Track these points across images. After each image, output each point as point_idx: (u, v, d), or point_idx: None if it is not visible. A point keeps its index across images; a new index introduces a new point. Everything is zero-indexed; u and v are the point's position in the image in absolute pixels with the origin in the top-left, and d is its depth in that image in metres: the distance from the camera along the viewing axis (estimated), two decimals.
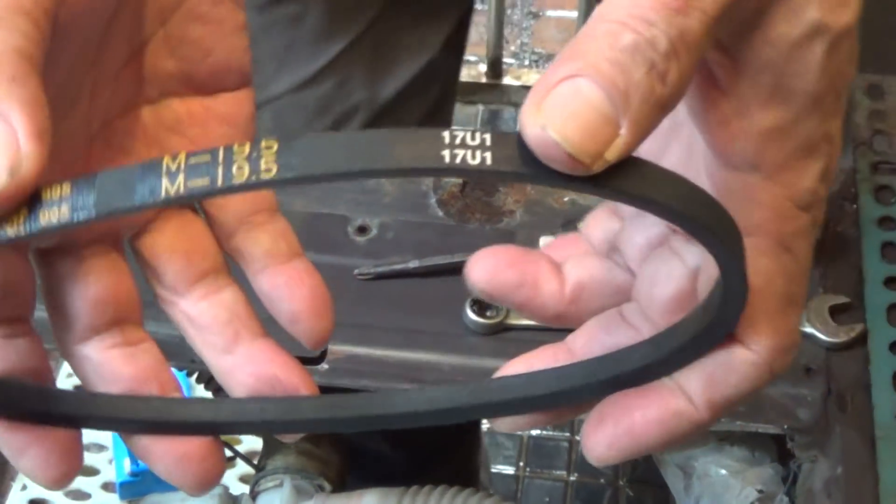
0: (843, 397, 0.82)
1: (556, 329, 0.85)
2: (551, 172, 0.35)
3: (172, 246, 0.47)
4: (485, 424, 1.76)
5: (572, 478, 1.81)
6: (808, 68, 0.39)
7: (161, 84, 0.47)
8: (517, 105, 2.30)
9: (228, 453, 1.10)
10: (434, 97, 1.15)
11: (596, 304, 0.48)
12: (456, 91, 1.26)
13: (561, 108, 0.34)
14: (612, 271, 0.48)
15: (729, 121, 0.40)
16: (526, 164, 0.35)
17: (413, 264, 0.88)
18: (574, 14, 2.39)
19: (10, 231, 0.37)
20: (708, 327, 0.41)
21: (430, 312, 0.87)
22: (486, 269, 0.47)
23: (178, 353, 0.81)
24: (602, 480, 1.80)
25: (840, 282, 0.87)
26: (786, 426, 0.81)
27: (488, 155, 0.34)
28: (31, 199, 0.37)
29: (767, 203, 0.41)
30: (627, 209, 0.47)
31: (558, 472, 1.82)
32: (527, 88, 2.31)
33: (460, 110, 2.23)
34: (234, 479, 1.79)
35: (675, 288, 0.45)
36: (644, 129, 0.35)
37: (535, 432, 1.86)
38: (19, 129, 0.36)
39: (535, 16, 2.61)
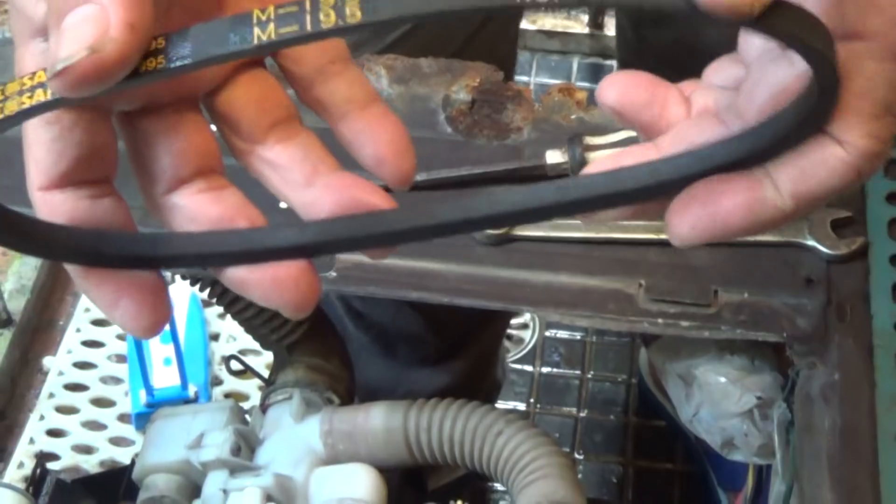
0: (843, 307, 0.83)
1: (563, 241, 0.86)
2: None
3: (247, 97, 0.48)
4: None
5: (582, 414, 1.83)
6: None
7: None
8: (532, 49, 2.30)
9: (239, 366, 1.12)
10: None
11: None
12: None
13: None
14: (735, 102, 0.48)
15: None
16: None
17: (421, 177, 0.89)
18: None
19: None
20: (802, 121, 0.43)
21: None
22: (619, 88, 0.48)
23: None
24: (611, 416, 1.81)
25: (842, 197, 0.88)
26: (785, 335, 0.83)
27: None
28: None
29: (887, 9, 0.42)
30: (751, 55, 0.48)
31: (568, 409, 1.84)
32: (542, 32, 2.31)
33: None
34: (254, 389, 1.82)
35: (779, 84, 0.45)
36: None
37: (545, 370, 1.88)
38: (113, 17, 0.39)
39: None
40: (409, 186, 0.48)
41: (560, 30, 2.33)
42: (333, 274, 0.85)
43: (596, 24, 2.22)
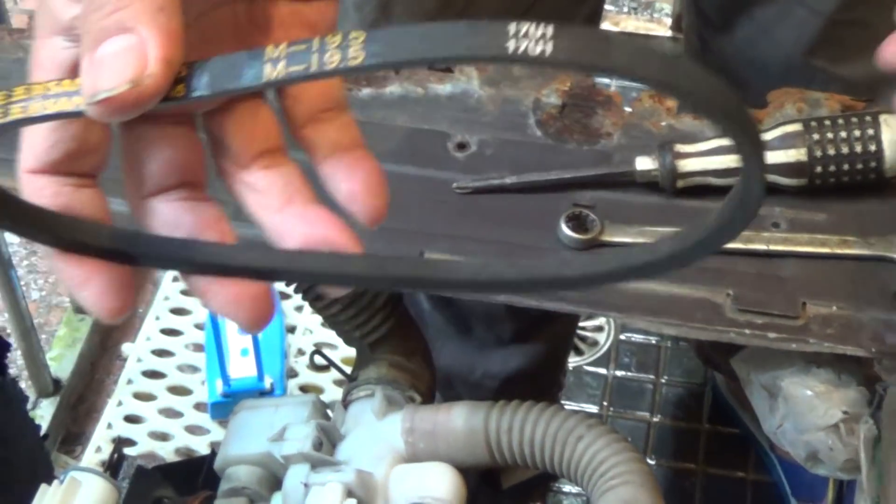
0: None
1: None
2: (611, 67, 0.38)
3: (240, 124, 0.50)
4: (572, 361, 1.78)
5: (655, 419, 1.82)
6: None
7: None
8: None
9: (322, 361, 1.13)
10: None
11: None
12: None
13: None
14: None
15: None
16: (586, 55, 0.38)
17: (510, 180, 0.90)
18: None
19: None
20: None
21: (525, 227, 0.88)
22: None
23: None
24: (684, 422, 1.81)
25: None
26: (874, 349, 0.82)
27: (549, 46, 0.38)
28: None
29: None
30: None
31: (641, 413, 1.84)
32: (625, 34, 2.32)
33: None
34: (329, 383, 1.83)
35: None
36: None
37: (619, 373, 1.87)
38: (151, 53, 0.41)
39: None
40: (377, 226, 0.50)
41: (643, 32, 2.32)
42: None
43: (679, 27, 2.21)
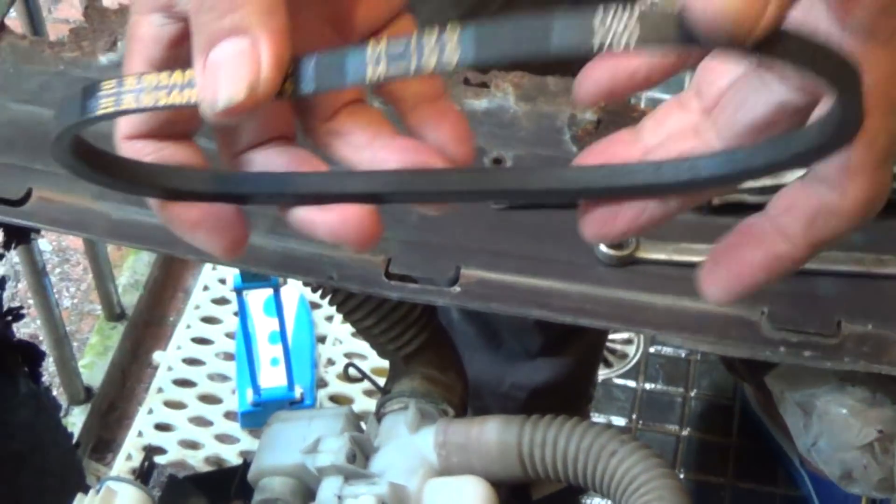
0: None
1: (686, 265, 0.86)
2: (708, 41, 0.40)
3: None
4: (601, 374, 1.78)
5: (685, 432, 1.82)
6: None
7: None
8: None
9: (355, 373, 1.14)
10: None
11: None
12: None
13: None
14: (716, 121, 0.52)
15: None
16: (676, 35, 0.40)
17: None
18: None
19: None
20: (819, 147, 0.46)
21: (562, 243, 0.88)
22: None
23: (316, 268, 0.86)
24: (714, 436, 1.80)
25: None
26: None
27: (636, 32, 0.40)
28: None
29: (881, 67, 0.45)
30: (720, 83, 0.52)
31: (671, 427, 1.84)
32: None
33: None
34: (359, 394, 1.84)
35: (760, 114, 0.50)
36: (788, 3, 0.40)
37: (648, 386, 1.88)
38: (264, 56, 0.43)
39: None
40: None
41: None
42: (458, 289, 0.86)
43: None
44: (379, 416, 1.03)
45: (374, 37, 0.54)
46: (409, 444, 0.98)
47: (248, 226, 0.52)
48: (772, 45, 0.41)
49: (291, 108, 0.52)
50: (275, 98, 0.44)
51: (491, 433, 0.96)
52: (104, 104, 0.44)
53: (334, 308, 1.01)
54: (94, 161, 0.49)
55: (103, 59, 0.98)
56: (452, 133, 0.51)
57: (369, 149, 0.51)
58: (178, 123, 0.50)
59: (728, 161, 0.50)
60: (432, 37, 0.42)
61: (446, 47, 0.42)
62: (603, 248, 0.87)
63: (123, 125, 0.50)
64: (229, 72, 0.43)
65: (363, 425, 1.03)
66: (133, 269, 2.07)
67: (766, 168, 0.49)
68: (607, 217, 0.52)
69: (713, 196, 0.76)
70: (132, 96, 0.44)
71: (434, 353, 1.05)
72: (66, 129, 0.46)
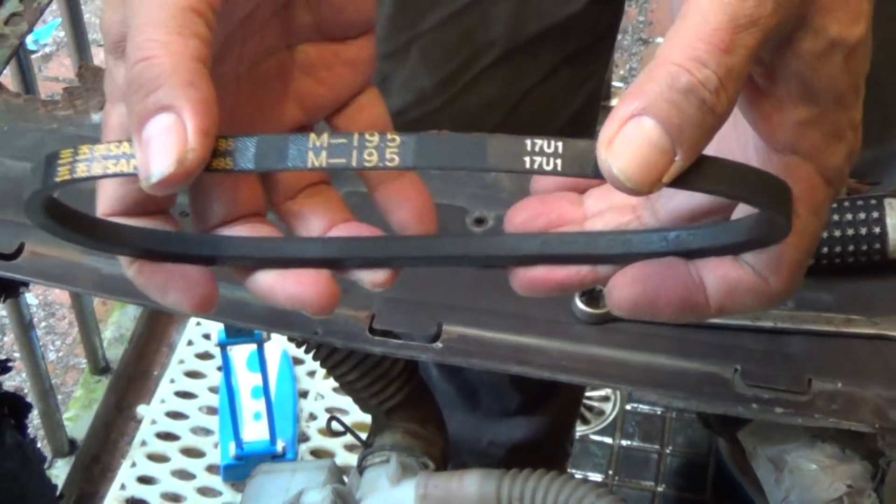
0: None
1: (663, 324, 0.88)
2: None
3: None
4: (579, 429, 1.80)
5: (660, 489, 1.84)
6: (831, 74, 0.48)
7: (298, 33, 0.57)
8: None
9: (338, 426, 1.15)
10: (575, 47, 1.18)
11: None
12: (608, 44, 1.28)
13: (625, 147, 0.44)
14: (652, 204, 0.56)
15: (770, 115, 0.49)
16: (591, 171, 0.44)
17: None
18: None
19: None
20: (747, 242, 0.51)
21: (541, 300, 0.88)
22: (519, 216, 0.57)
23: (302, 323, 0.88)
24: (689, 493, 1.82)
25: None
26: (877, 425, 0.83)
27: (559, 162, 0.44)
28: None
29: (805, 178, 0.50)
30: None
31: (646, 483, 1.85)
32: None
33: None
34: (339, 448, 1.85)
35: (689, 206, 0.54)
36: (696, 151, 0.45)
37: (625, 442, 1.89)
38: (189, 127, 0.46)
39: (645, 42, 2.66)
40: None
41: None
42: (439, 345, 0.87)
43: None
44: (361, 468, 1.04)
45: (339, 112, 0.58)
46: (390, 497, 0.99)
47: (215, 283, 0.54)
48: (688, 180, 0.45)
49: (260, 185, 0.56)
50: (211, 172, 0.46)
51: (471, 486, 0.97)
52: (61, 172, 0.47)
53: (317, 363, 1.03)
54: (67, 221, 0.52)
55: (96, 117, 1.00)
56: (414, 212, 0.55)
57: (322, 233, 0.55)
58: (150, 201, 0.52)
59: (661, 239, 0.53)
60: (374, 137, 0.45)
61: (387, 150, 0.45)
62: (580, 305, 0.88)
63: (101, 204, 0.52)
64: (158, 146, 0.45)
65: (345, 478, 1.05)
66: (118, 323, 2.09)
67: (698, 251, 0.52)
68: (542, 275, 0.54)
69: None
70: (84, 165, 0.47)
71: (415, 408, 1.07)
72: (30, 195, 0.49)
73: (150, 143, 0.46)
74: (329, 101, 0.58)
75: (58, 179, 0.47)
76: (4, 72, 1.07)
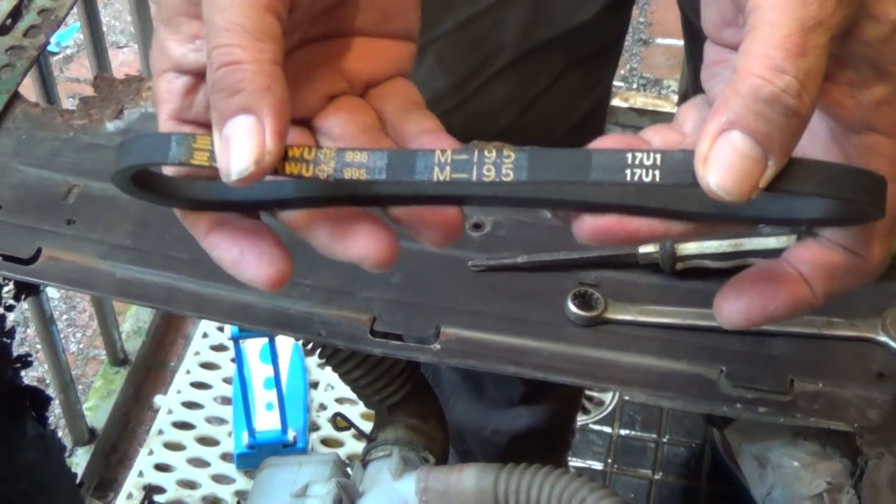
0: None
1: (650, 325, 0.91)
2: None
3: (345, 120, 0.58)
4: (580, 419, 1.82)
5: (657, 476, 1.87)
6: None
7: (344, 26, 0.60)
8: (623, 125, 2.36)
9: (344, 423, 1.18)
10: (584, 53, 1.20)
11: None
12: (616, 51, 1.30)
13: (720, 162, 0.46)
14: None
15: (843, 100, 0.52)
16: (691, 181, 0.47)
17: (521, 259, 0.94)
18: (681, 43, 2.44)
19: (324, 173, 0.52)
20: (842, 220, 0.53)
21: (535, 303, 0.91)
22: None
23: (307, 325, 0.90)
24: (685, 480, 1.84)
25: None
26: (856, 424, 0.85)
27: (657, 173, 0.46)
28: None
29: (886, 154, 0.52)
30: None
31: (644, 471, 1.87)
32: (634, 110, 2.37)
33: None
34: (348, 437, 1.86)
35: None
36: (788, 154, 0.47)
37: (623, 432, 1.92)
38: (267, 130, 0.50)
39: (646, 42, 2.67)
40: None
41: (650, 108, 2.38)
42: (438, 347, 0.89)
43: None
44: (364, 462, 1.06)
45: (371, 88, 0.60)
46: (392, 490, 1.01)
47: (290, 260, 0.56)
48: (783, 182, 0.47)
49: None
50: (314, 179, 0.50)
51: (469, 480, 0.98)
52: (198, 157, 0.51)
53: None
54: (147, 184, 0.55)
55: (110, 126, 1.02)
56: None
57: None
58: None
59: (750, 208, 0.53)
60: (491, 153, 0.48)
61: (503, 165, 0.47)
62: (573, 308, 0.90)
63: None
64: (238, 146, 0.50)
65: (350, 471, 1.08)
66: (136, 316, 2.11)
67: (777, 220, 0.55)
68: (612, 224, 0.55)
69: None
70: (204, 154, 0.51)
71: (417, 404, 1.08)
72: (144, 164, 0.52)
73: (230, 140, 0.50)
74: (364, 76, 0.61)
75: (192, 161, 0.51)
76: (26, 80, 1.09)
